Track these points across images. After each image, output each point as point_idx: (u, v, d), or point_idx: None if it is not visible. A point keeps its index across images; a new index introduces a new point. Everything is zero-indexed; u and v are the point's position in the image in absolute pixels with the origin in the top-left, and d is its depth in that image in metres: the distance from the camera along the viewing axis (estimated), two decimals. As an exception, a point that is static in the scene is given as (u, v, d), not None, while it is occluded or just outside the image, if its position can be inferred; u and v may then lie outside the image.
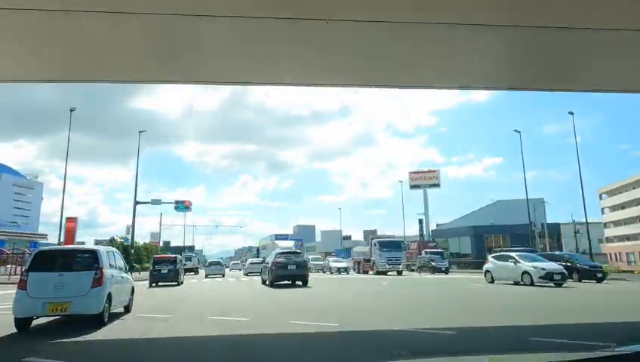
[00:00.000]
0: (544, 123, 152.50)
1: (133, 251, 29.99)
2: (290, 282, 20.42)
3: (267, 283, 21.11)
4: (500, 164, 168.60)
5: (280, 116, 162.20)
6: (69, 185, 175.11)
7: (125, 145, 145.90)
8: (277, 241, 56.74)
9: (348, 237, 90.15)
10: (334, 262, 41.10)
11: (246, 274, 37.46)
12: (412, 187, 65.00)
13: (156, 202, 38.58)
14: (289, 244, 52.27)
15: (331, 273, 37.81)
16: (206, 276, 35.76)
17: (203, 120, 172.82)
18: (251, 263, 39.99)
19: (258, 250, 76.82)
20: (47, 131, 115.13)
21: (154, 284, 23.45)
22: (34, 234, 47.04)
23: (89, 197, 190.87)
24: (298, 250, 24.65)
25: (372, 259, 35.56)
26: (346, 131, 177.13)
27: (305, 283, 20.19)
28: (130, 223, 35.84)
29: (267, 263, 22.25)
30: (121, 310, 10.32)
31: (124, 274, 10.67)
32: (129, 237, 37.77)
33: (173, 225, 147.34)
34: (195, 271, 46.60)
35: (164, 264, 24.64)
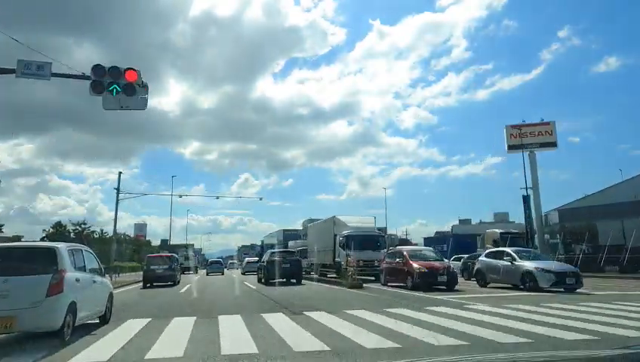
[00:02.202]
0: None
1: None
2: (284, 280, 20.90)
3: (263, 280, 21.83)
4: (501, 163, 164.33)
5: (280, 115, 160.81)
6: (69, 184, 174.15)
7: (125, 143, 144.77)
8: (340, 217, 27.00)
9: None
10: (531, 261, 15.55)
11: (243, 273, 38.07)
12: (511, 148, 40.46)
13: (42, 73, 9.93)
14: (363, 222, 26.75)
15: (530, 286, 14.57)
16: (207, 274, 39.17)
17: (204, 118, 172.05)
18: (248, 262, 41.57)
19: (262, 248, 74.04)
20: (46, 130, 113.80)
21: (148, 285, 22.63)
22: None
23: (88, 196, 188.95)
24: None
25: None
26: (346, 130, 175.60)
27: (299, 282, 20.90)
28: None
29: (263, 262, 23.42)
30: (96, 321, 8.87)
31: (98, 278, 9.05)
32: None
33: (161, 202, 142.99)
34: (194, 270, 47.35)
35: (158, 263, 23.76)
